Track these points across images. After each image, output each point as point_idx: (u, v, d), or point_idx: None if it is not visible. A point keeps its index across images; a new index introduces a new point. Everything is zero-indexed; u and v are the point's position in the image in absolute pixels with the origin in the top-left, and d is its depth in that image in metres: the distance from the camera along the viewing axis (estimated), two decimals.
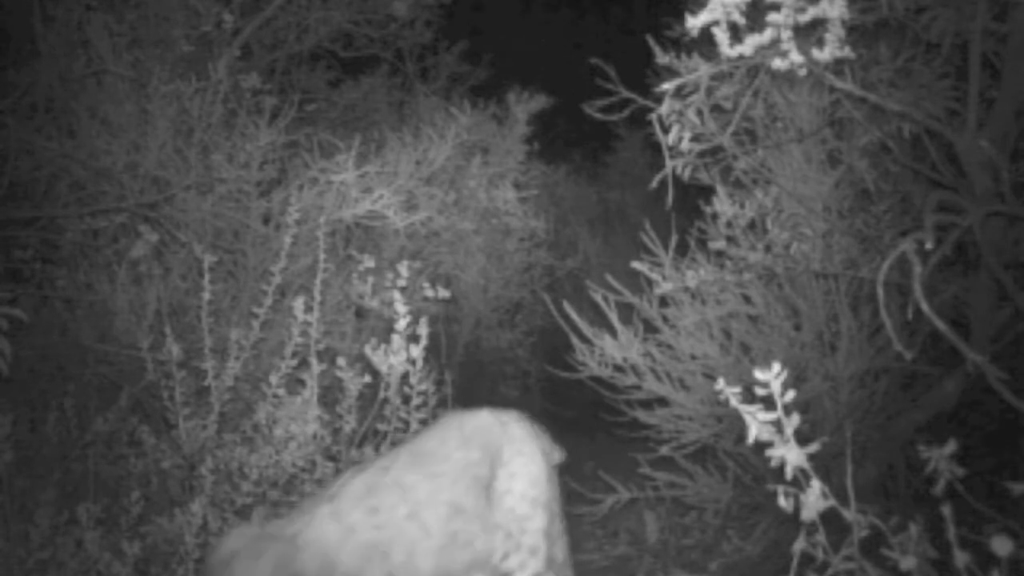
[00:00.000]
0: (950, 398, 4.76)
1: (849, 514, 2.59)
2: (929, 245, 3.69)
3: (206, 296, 4.99)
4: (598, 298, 5.24)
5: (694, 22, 3.31)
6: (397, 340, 4.94)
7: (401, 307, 4.90)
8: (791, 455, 2.53)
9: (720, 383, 2.59)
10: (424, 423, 4.99)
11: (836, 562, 2.63)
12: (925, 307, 3.56)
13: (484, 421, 3.76)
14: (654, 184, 4.67)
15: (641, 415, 5.26)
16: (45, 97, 5.93)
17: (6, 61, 6.16)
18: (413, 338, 4.94)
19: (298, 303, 4.90)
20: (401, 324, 4.90)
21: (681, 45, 5.06)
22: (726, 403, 2.58)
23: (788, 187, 5.07)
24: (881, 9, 4.34)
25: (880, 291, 3.73)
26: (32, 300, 5.70)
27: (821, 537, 2.62)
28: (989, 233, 4.41)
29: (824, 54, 3.38)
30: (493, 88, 8.64)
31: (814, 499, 2.53)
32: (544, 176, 8.91)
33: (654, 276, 5.18)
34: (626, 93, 4.83)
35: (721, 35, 3.33)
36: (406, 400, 4.95)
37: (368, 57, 8.48)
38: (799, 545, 2.63)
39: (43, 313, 5.76)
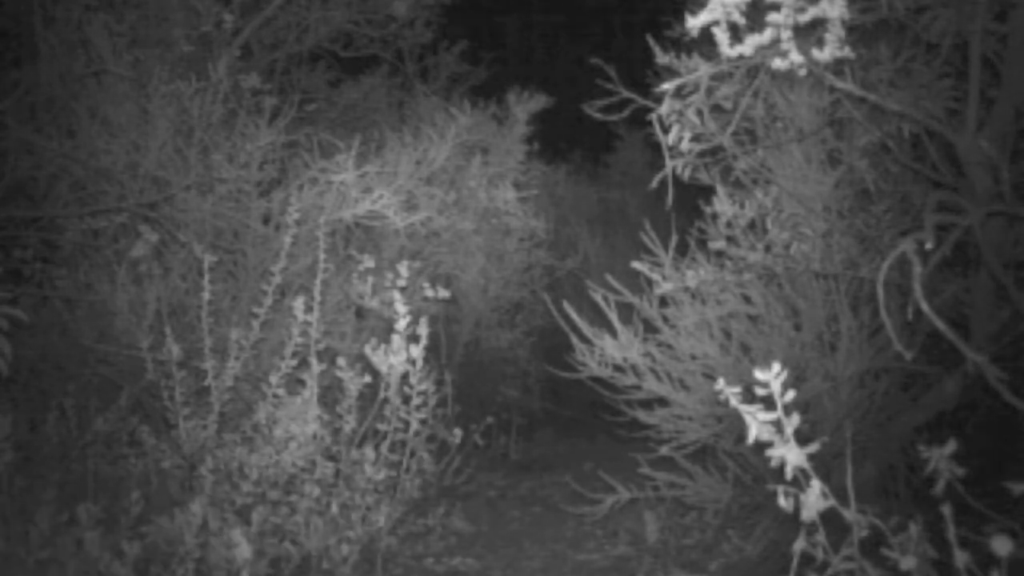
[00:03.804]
0: (950, 398, 4.76)
1: (849, 514, 2.59)
2: (929, 245, 3.69)
3: (206, 296, 5.00)
4: (598, 298, 5.23)
5: (694, 22, 3.30)
6: (397, 340, 4.95)
7: (402, 307, 4.90)
8: (791, 455, 2.53)
9: (720, 383, 2.59)
10: (424, 423, 5.00)
11: (836, 562, 2.64)
12: (925, 307, 3.56)
13: None
14: (654, 184, 4.67)
15: (641, 415, 5.25)
16: (45, 96, 5.93)
17: (6, 61, 6.16)
18: (413, 338, 4.95)
19: (298, 303, 4.90)
20: (402, 324, 4.91)
21: (681, 45, 5.06)
22: (726, 403, 2.58)
23: (788, 187, 5.07)
24: (881, 9, 4.34)
25: (880, 291, 3.73)
26: (32, 300, 5.70)
27: (821, 537, 2.62)
28: (989, 233, 4.42)
29: (824, 54, 3.38)
30: (493, 88, 8.64)
31: (814, 499, 2.53)
32: (544, 176, 8.91)
33: (654, 276, 5.18)
34: (626, 93, 4.83)
35: (721, 35, 3.32)
36: (406, 400, 4.95)
37: (368, 57, 8.48)
38: (799, 545, 2.63)
39: (43, 313, 5.76)
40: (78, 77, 6.06)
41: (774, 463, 2.56)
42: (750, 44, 3.34)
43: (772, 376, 2.47)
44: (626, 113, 4.85)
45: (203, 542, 4.19)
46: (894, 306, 4.61)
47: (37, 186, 5.91)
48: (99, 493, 4.44)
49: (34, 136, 5.80)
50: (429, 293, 5.56)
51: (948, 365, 4.78)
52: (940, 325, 3.61)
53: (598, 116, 4.88)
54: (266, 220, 6.03)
